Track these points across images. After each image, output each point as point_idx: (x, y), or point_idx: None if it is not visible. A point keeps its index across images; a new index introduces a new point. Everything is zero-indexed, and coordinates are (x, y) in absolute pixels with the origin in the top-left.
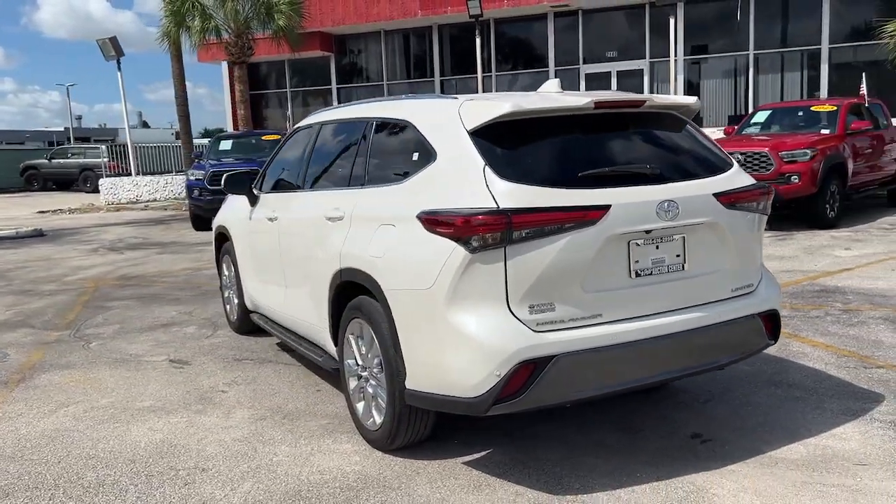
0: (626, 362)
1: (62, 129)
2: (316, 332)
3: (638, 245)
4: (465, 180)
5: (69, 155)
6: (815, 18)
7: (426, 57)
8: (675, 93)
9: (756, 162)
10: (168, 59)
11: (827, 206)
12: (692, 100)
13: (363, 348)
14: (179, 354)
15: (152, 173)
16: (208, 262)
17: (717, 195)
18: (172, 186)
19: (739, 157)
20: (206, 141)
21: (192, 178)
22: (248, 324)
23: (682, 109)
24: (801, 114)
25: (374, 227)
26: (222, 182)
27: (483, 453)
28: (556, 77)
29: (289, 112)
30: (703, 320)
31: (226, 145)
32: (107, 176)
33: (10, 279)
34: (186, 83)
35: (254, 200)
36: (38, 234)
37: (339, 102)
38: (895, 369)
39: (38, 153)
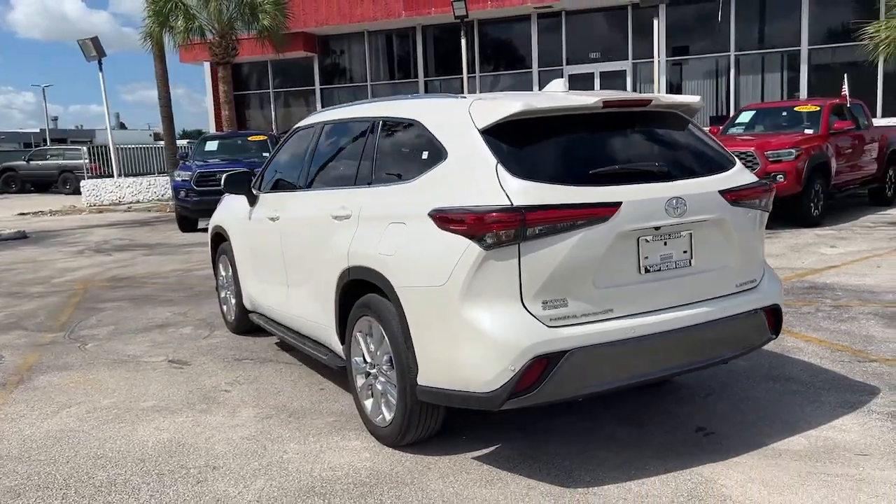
0: (636, 356)
1: (38, 130)
2: (321, 331)
3: (647, 241)
4: (477, 178)
5: (48, 156)
6: (795, 20)
7: (410, 58)
8: (658, 93)
9: (742, 161)
10: (145, 60)
11: (811, 204)
12: (695, 99)
13: (372, 346)
14: (178, 355)
15: (133, 175)
16: (197, 264)
17: (722, 192)
18: (156, 188)
19: None
20: (185, 142)
21: (178, 179)
22: (246, 324)
23: (684, 108)
24: (784, 114)
25: (383, 226)
26: (222, 182)
27: (492, 448)
28: (537, 78)
29: (272, 114)
30: (710, 315)
31: (212, 146)
32: (88, 177)
33: None
34: None
35: (253, 200)
36: (21, 237)
37: (323, 103)
38: (888, 363)
39: (15, 155)
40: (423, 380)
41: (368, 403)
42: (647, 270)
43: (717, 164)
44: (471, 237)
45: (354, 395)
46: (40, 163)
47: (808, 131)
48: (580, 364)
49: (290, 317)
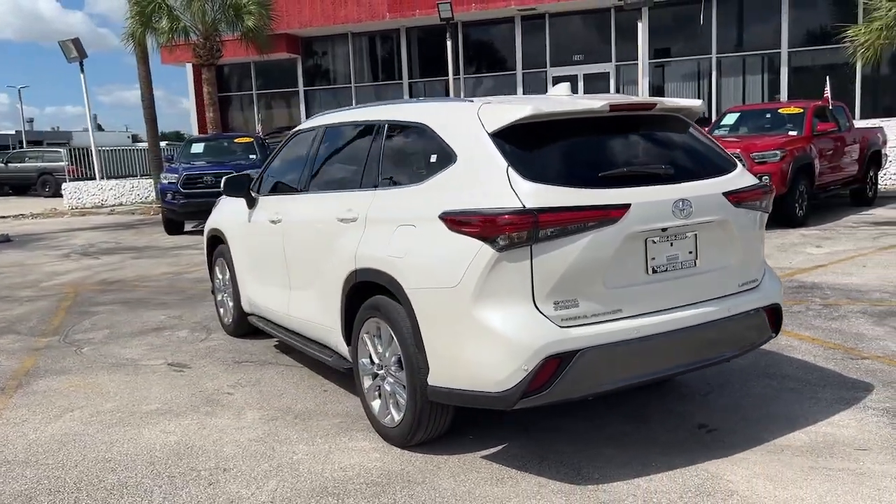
0: (645, 356)
1: (13, 132)
2: (325, 333)
3: (654, 242)
4: (488, 181)
5: (26, 159)
6: (775, 24)
7: (394, 59)
8: (642, 95)
9: None
10: (122, 61)
11: (796, 205)
12: (697, 103)
13: (379, 347)
14: (177, 358)
15: (114, 177)
16: (187, 266)
17: (726, 194)
18: (139, 190)
19: None
20: (164, 144)
21: (165, 181)
22: (244, 327)
23: (686, 112)
24: (768, 116)
25: (392, 228)
26: (222, 185)
27: (499, 447)
28: (521, 80)
29: (257, 115)
30: (715, 314)
31: (197, 148)
32: (70, 180)
33: None
34: (139, 85)
35: (252, 203)
36: (5, 240)
37: (306, 105)
38: (880, 360)
39: None
40: (433, 380)
41: (376, 404)
42: (654, 271)
43: (720, 167)
44: (483, 239)
45: (361, 396)
46: (19, 165)
47: (792, 133)
48: (591, 363)
49: (292, 319)
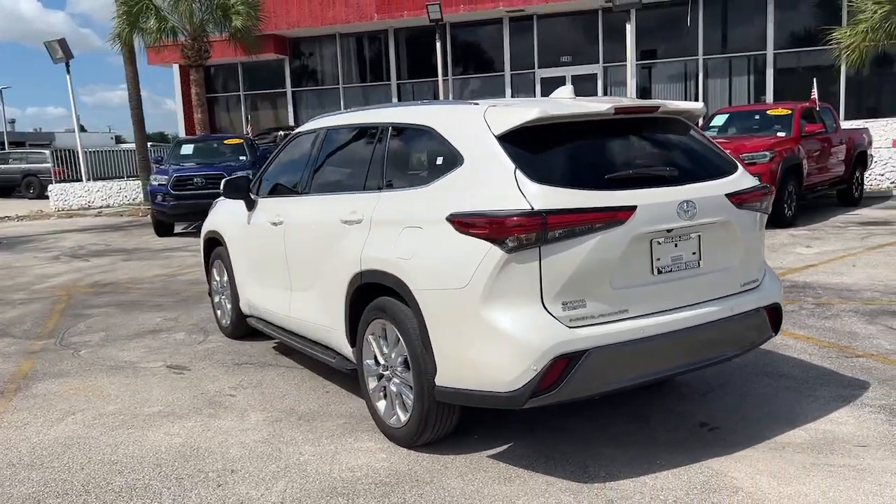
0: (651, 355)
1: None
2: (328, 335)
3: (659, 243)
4: (496, 183)
5: (10, 160)
6: (761, 25)
7: (382, 60)
8: (630, 96)
9: None
10: (105, 61)
11: (785, 205)
12: (699, 105)
13: (385, 348)
14: (176, 360)
15: (99, 178)
16: (180, 268)
17: (728, 195)
18: (126, 192)
19: None
20: (148, 145)
21: (154, 182)
22: (243, 329)
23: (687, 114)
24: (757, 117)
25: (398, 230)
26: (221, 187)
27: (505, 447)
28: (510, 81)
29: (245, 116)
30: (718, 314)
31: (187, 149)
32: (56, 182)
33: None
34: (124, 87)
35: (251, 205)
36: None
37: (294, 106)
38: (874, 358)
39: None
40: (441, 380)
41: (381, 405)
42: (659, 271)
43: (722, 169)
44: (492, 241)
45: (366, 397)
46: (2, 166)
47: (781, 134)
48: (599, 363)
49: (293, 321)
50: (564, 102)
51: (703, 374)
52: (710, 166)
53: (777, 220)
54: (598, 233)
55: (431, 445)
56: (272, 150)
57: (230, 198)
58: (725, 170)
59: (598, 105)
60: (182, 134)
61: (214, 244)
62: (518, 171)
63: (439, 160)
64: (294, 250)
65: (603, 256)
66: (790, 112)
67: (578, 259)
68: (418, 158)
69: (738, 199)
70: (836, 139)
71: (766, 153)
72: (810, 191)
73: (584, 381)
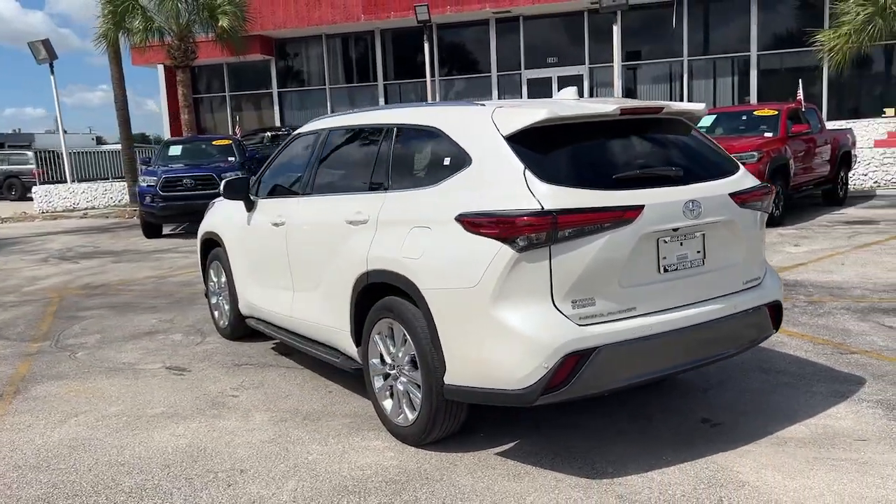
0: (658, 352)
1: None
2: (332, 335)
3: (665, 242)
4: (505, 183)
5: None
6: (745, 27)
7: (369, 61)
8: (617, 97)
9: None
10: (85, 62)
11: (773, 205)
12: (700, 106)
13: (391, 347)
14: (175, 362)
15: (83, 180)
16: (171, 270)
17: (732, 195)
18: (112, 193)
19: None
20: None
21: (143, 184)
22: (241, 330)
23: (689, 115)
24: (744, 118)
25: (405, 230)
26: (221, 188)
27: (511, 444)
28: (496, 82)
29: (230, 116)
30: (722, 311)
31: (175, 151)
32: (40, 183)
33: None
34: (104, 87)
35: (251, 206)
36: None
37: (280, 106)
38: (868, 354)
39: None
40: (450, 379)
41: (388, 404)
42: (665, 270)
43: (725, 168)
44: (503, 240)
45: (372, 396)
46: None
47: (768, 134)
48: (608, 360)
49: (295, 321)
50: (570, 103)
51: (702, 372)
52: (712, 166)
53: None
54: (607, 232)
55: (439, 444)
56: (260, 151)
57: (230, 199)
58: (728, 170)
59: (604, 106)
60: (167, 135)
61: (212, 245)
62: (527, 171)
63: (447, 161)
64: (296, 251)
65: (611, 255)
66: (777, 113)
67: (588, 258)
68: (425, 159)
69: (741, 198)
70: (821, 140)
71: (754, 153)
72: (796, 190)
73: (594, 378)
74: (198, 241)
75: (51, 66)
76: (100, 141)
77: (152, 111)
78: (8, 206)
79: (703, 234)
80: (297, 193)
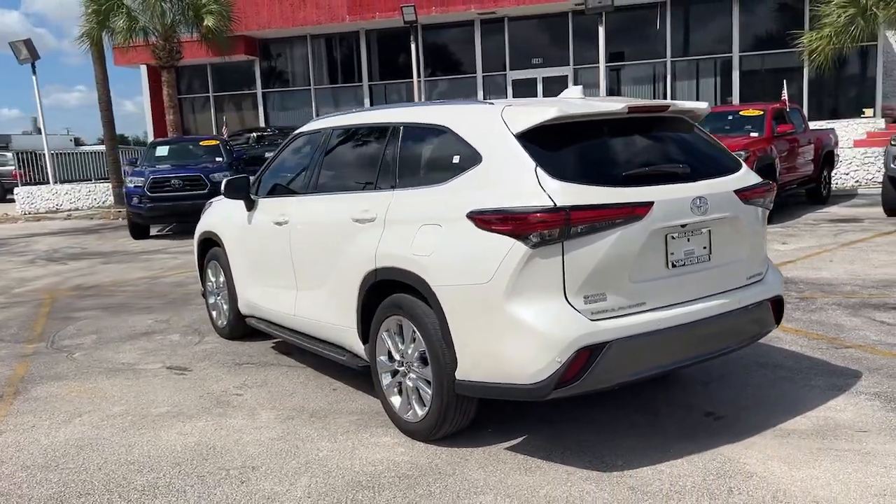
0: (667, 346)
1: None
2: (338, 333)
3: (674, 238)
4: (517, 180)
5: None
6: (727, 29)
7: (354, 62)
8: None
9: None
10: (62, 62)
11: None
12: (704, 105)
13: (400, 344)
14: (175, 362)
15: (65, 181)
16: (162, 271)
17: (736, 191)
18: (96, 195)
19: None
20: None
21: (131, 185)
22: (240, 329)
23: (691, 114)
24: (730, 118)
25: (415, 228)
26: (222, 187)
27: (520, 439)
28: (482, 83)
29: (215, 117)
30: (728, 306)
31: (162, 151)
32: (22, 185)
33: None
34: (81, 88)
35: (251, 205)
36: None
37: (265, 107)
38: (862, 349)
39: None
40: (462, 374)
41: (396, 400)
42: (673, 265)
43: (728, 166)
44: (516, 236)
45: (380, 393)
46: None
47: (754, 134)
48: (619, 354)
49: (298, 320)
50: (578, 102)
51: (703, 367)
52: (717, 163)
53: None
54: (618, 228)
55: (448, 439)
56: (246, 151)
57: (231, 198)
58: (731, 167)
59: (613, 104)
60: (150, 136)
61: (210, 245)
62: (539, 169)
63: (456, 159)
64: (300, 249)
65: (622, 251)
66: (762, 113)
67: (600, 254)
68: (433, 157)
69: (745, 195)
70: (804, 139)
71: (741, 153)
72: (782, 189)
73: (606, 372)
74: (195, 242)
75: (32, 66)
76: (78, 142)
77: (130, 112)
78: None
79: (709, 231)
80: (301, 192)
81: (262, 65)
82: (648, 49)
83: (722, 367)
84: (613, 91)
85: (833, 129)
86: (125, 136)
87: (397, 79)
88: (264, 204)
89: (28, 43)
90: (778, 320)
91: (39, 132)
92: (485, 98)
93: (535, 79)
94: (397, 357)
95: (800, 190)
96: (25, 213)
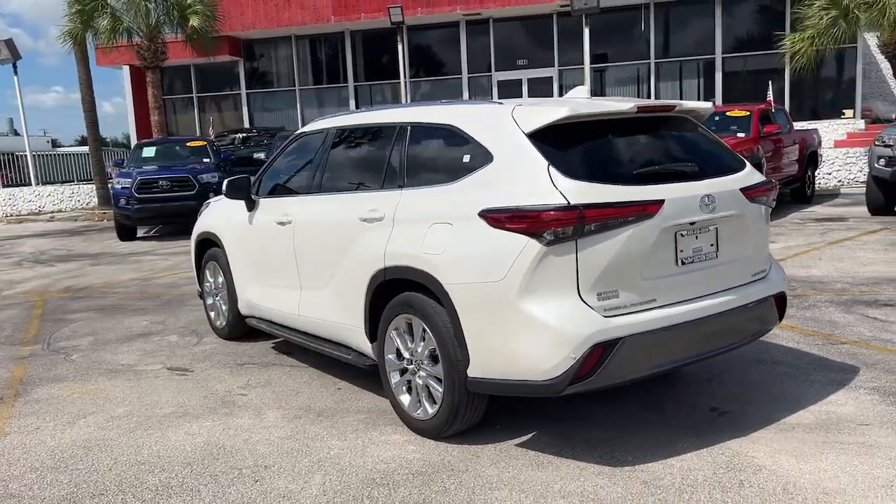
0: (677, 342)
1: None
2: (344, 332)
3: (683, 236)
4: (529, 179)
5: None
6: (709, 30)
7: (339, 63)
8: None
9: None
10: (38, 62)
11: None
12: (707, 105)
13: (409, 343)
14: (175, 362)
15: (46, 182)
16: (153, 272)
17: (742, 190)
18: (79, 196)
19: None
20: (85, 149)
21: (118, 186)
22: (239, 330)
23: (695, 113)
24: (717, 119)
25: (425, 226)
26: (224, 187)
27: (529, 436)
28: (467, 84)
29: (196, 118)
30: (735, 302)
31: (149, 152)
32: (3, 186)
33: None
34: (58, 89)
35: (252, 205)
36: None
37: (249, 108)
38: (857, 345)
39: None
40: (474, 372)
41: (405, 399)
42: (682, 262)
43: (733, 165)
44: (530, 234)
45: (389, 391)
46: None
47: (740, 134)
48: (632, 350)
49: (303, 319)
50: (588, 101)
51: (705, 364)
52: (722, 162)
53: None
54: (630, 226)
55: (458, 437)
56: (233, 152)
57: (233, 198)
58: (735, 166)
59: (621, 104)
60: (133, 136)
61: (208, 245)
62: (551, 167)
63: (466, 158)
64: (305, 249)
65: (634, 248)
66: (748, 114)
67: (612, 251)
68: (442, 157)
69: (750, 193)
70: (789, 140)
71: None
72: None
73: (619, 368)
74: (192, 242)
75: (14, 66)
76: (55, 144)
77: (108, 113)
78: None
79: (717, 228)
80: (304, 192)
81: (247, 65)
82: (632, 50)
83: (722, 363)
84: (597, 93)
85: (816, 129)
86: (104, 138)
87: (383, 80)
88: (266, 204)
89: (9, 43)
90: (781, 316)
91: (16, 133)
92: (471, 98)
93: (521, 80)
94: (406, 355)
95: (784, 189)
96: (7, 215)
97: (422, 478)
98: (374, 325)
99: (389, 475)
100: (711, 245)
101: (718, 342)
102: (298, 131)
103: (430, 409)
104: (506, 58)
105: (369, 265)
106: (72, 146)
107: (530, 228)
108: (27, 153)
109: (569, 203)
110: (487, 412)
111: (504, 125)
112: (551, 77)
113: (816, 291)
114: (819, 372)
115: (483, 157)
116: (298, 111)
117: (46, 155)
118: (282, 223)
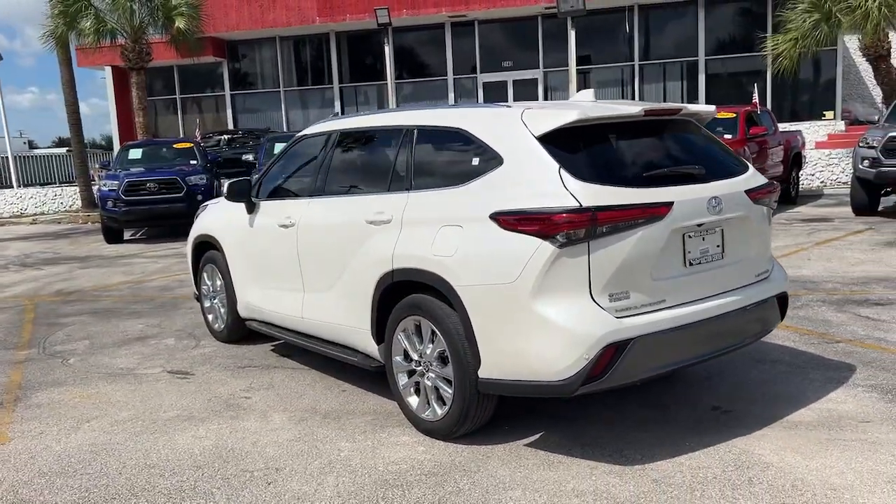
0: (686, 342)
1: None
2: (350, 334)
3: (690, 237)
4: (540, 182)
5: None
6: (693, 33)
7: (324, 64)
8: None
9: None
10: (13, 63)
11: None
12: (711, 108)
13: (418, 344)
14: (174, 366)
15: (29, 185)
16: (144, 275)
17: (747, 192)
18: (63, 198)
19: None
20: (64, 150)
21: (105, 188)
22: (238, 332)
23: (698, 117)
24: None
25: (434, 229)
26: (224, 189)
27: (537, 436)
28: (452, 85)
29: (179, 120)
30: (740, 302)
31: (135, 154)
32: None
33: None
34: (34, 90)
35: (252, 208)
36: None
37: (233, 109)
38: (852, 343)
39: None
40: (485, 373)
41: (413, 400)
42: (690, 263)
43: (738, 167)
44: (543, 237)
45: (396, 393)
46: None
47: (727, 136)
48: (643, 350)
49: (306, 322)
50: (595, 105)
51: (703, 364)
52: (727, 164)
53: None
54: (641, 228)
55: (467, 438)
56: (219, 154)
57: (234, 201)
58: (739, 168)
59: (629, 107)
60: (116, 138)
61: (206, 248)
62: (562, 170)
63: (475, 161)
64: (308, 252)
65: (644, 250)
66: (735, 115)
67: (623, 253)
68: (450, 160)
69: (754, 195)
70: (774, 141)
71: None
72: None
73: (630, 368)
74: (189, 245)
75: None
76: (31, 145)
77: (86, 114)
78: None
79: (722, 230)
80: (307, 195)
81: (231, 66)
82: (616, 52)
83: (720, 363)
84: None
85: (800, 130)
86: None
87: (368, 81)
88: (267, 207)
89: None
90: (783, 316)
91: None
92: (456, 101)
93: (506, 81)
94: (414, 357)
95: None
96: None
97: (435, 478)
98: (381, 327)
99: (402, 476)
100: (718, 246)
101: (725, 341)
102: (300, 134)
103: (440, 411)
104: (491, 59)
105: (376, 267)
106: (48, 147)
107: (543, 230)
108: (8, 155)
109: (581, 205)
110: (495, 413)
111: (514, 128)
112: (536, 79)
113: (808, 291)
114: (817, 370)
115: (493, 160)
116: (283, 112)
117: (26, 157)
118: (284, 226)
